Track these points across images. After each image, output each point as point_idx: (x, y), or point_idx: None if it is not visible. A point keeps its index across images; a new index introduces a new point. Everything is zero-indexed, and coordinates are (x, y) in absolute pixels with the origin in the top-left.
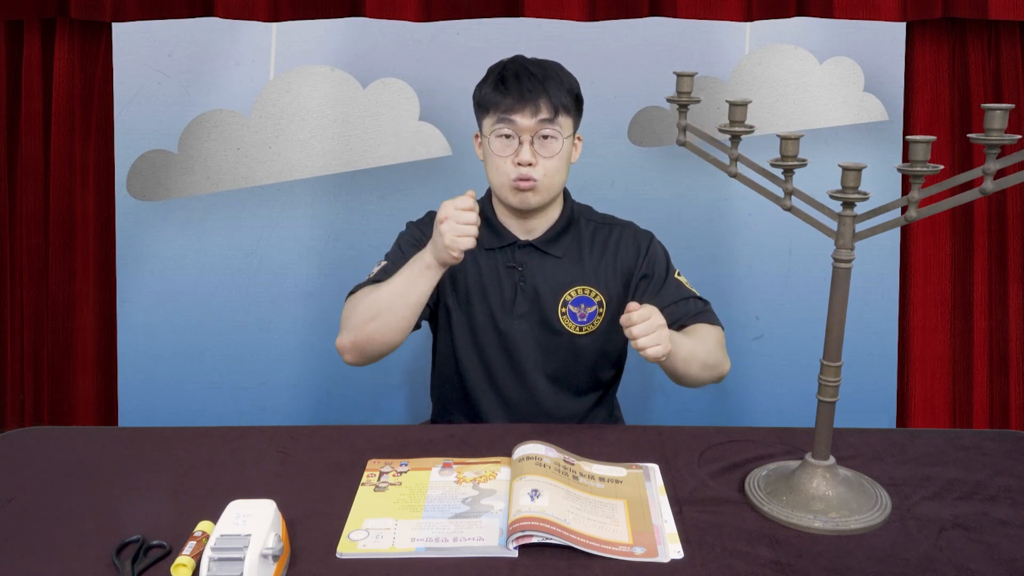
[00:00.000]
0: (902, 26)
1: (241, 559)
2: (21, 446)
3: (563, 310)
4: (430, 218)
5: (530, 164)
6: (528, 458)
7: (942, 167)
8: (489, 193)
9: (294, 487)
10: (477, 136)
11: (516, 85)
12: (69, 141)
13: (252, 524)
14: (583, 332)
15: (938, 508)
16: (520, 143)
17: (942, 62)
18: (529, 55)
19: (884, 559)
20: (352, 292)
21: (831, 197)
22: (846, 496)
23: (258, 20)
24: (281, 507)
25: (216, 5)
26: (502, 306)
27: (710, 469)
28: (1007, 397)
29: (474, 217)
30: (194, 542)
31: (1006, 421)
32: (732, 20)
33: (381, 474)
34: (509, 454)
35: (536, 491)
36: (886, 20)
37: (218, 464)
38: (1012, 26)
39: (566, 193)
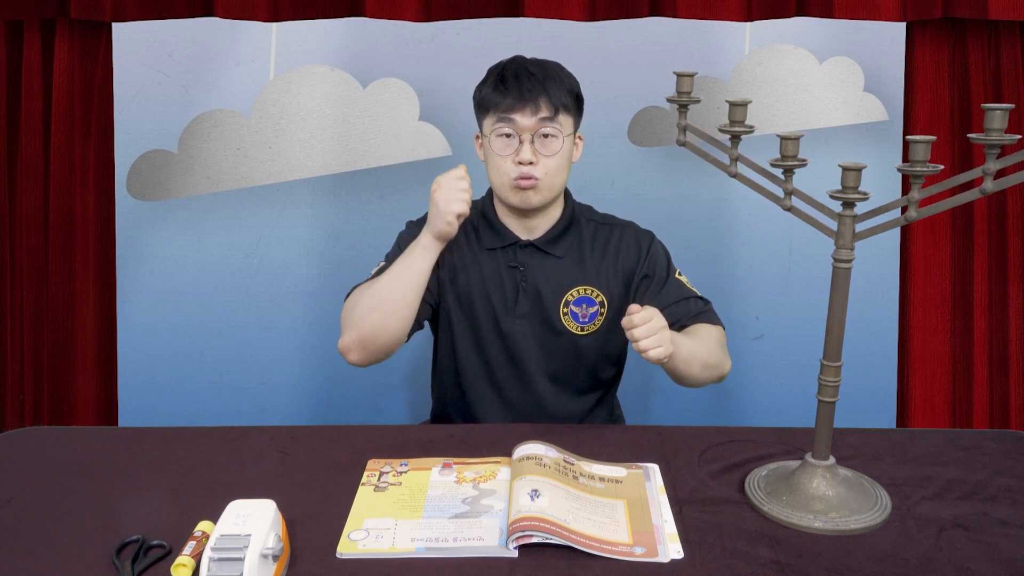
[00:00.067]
0: (902, 26)
1: (241, 559)
2: (21, 446)
3: (564, 310)
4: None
5: (531, 163)
6: (528, 458)
7: (942, 167)
8: (490, 193)
9: (294, 487)
10: (478, 137)
11: (516, 84)
12: (69, 141)
13: (252, 524)
14: (584, 332)
15: (938, 508)
16: (521, 142)
17: (942, 62)
18: (529, 55)
19: (884, 559)
20: (350, 294)
21: (831, 197)
22: (846, 496)
23: (258, 20)
24: (281, 507)
25: (216, 5)
26: (504, 306)
27: (710, 469)
28: (1007, 397)
29: (466, 184)
30: (194, 542)
31: (1006, 421)
32: (732, 20)
33: (381, 474)
34: (509, 454)
35: (536, 491)
36: (886, 20)
37: (218, 464)
38: (1012, 26)
39: (567, 193)
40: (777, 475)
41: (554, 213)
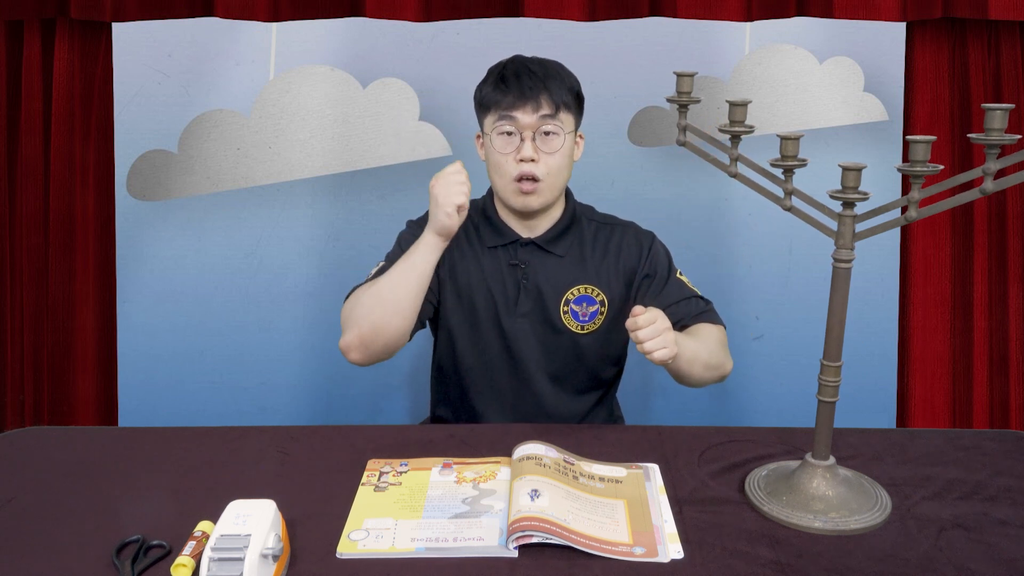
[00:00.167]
0: (902, 26)
1: (241, 559)
2: (21, 446)
3: (565, 309)
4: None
5: (532, 160)
6: (528, 458)
7: (942, 167)
8: (491, 192)
9: (294, 487)
10: (479, 136)
11: (516, 83)
12: (69, 141)
13: (252, 524)
14: (585, 331)
15: (938, 508)
16: (522, 140)
17: (942, 62)
18: (529, 55)
19: (884, 559)
20: (350, 294)
21: (831, 197)
22: (846, 496)
23: (258, 20)
24: (281, 507)
25: (216, 5)
26: (505, 304)
27: (710, 469)
28: (1007, 397)
29: (463, 178)
30: (194, 542)
31: (1006, 421)
32: (732, 20)
33: (381, 474)
34: (509, 454)
35: (536, 491)
36: (886, 20)
37: (218, 464)
38: (1012, 26)
39: (568, 192)
40: (777, 475)
41: (555, 212)
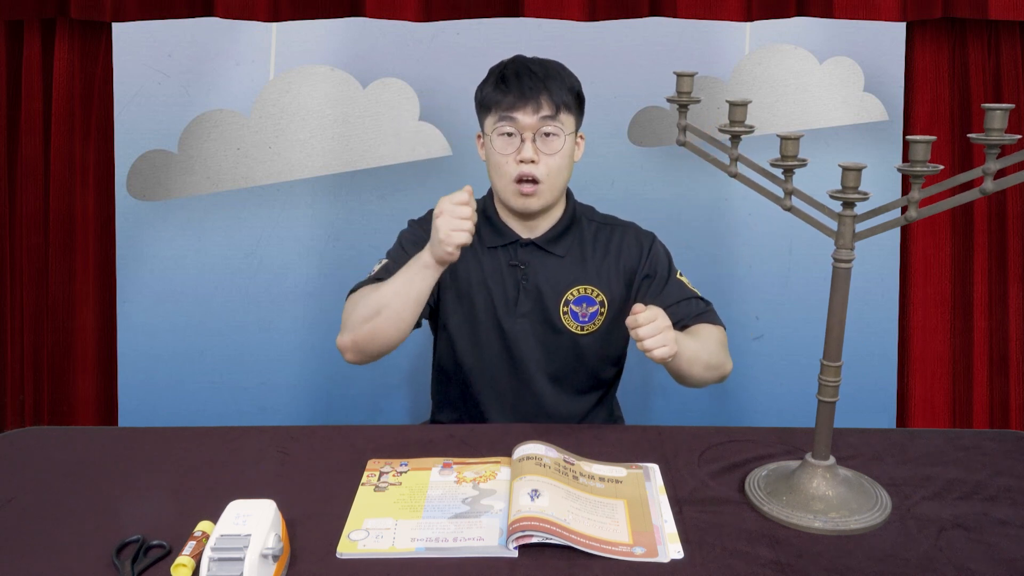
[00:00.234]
0: (902, 26)
1: (241, 559)
2: (21, 446)
3: (565, 309)
4: (432, 216)
5: (532, 161)
6: (528, 458)
7: (942, 167)
8: (491, 192)
9: (294, 487)
10: (480, 137)
11: (517, 83)
12: (69, 141)
13: (252, 524)
14: (585, 332)
15: (938, 508)
16: (522, 141)
17: (942, 62)
18: (529, 55)
19: (884, 559)
20: (353, 291)
21: (831, 197)
22: (846, 496)
23: (258, 20)
24: (281, 507)
25: (216, 5)
26: (504, 304)
27: (710, 469)
28: (1007, 397)
29: (470, 212)
30: (194, 542)
31: (1006, 421)
32: (732, 20)
33: (381, 474)
34: (509, 454)
35: (536, 491)
36: (886, 20)
37: (218, 464)
38: (1012, 26)
39: (569, 193)
40: (777, 475)
41: (555, 212)
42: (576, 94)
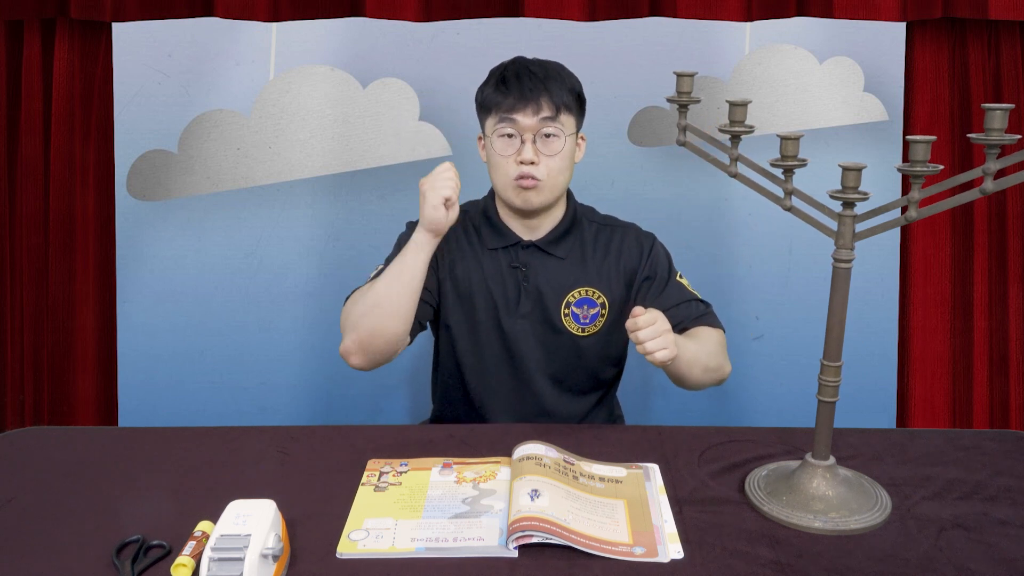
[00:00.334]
0: (902, 26)
1: (241, 559)
2: (21, 446)
3: (566, 311)
4: None
5: (532, 162)
6: (528, 458)
7: (942, 167)
8: (492, 193)
9: (294, 487)
10: (480, 138)
11: (517, 84)
12: (69, 141)
13: (252, 524)
14: (585, 333)
15: (938, 508)
16: (523, 142)
17: (942, 62)
18: (529, 55)
19: (884, 559)
20: (349, 297)
21: (831, 197)
22: (846, 496)
23: (258, 20)
24: (281, 507)
25: (216, 5)
26: (505, 306)
27: (710, 469)
28: (1007, 397)
29: (451, 174)
30: (194, 542)
31: (1006, 421)
32: (732, 20)
33: (381, 474)
34: (509, 454)
35: (536, 491)
36: (886, 20)
37: (218, 464)
38: (1012, 26)
39: (570, 194)
40: (777, 475)
41: (556, 213)
42: (576, 95)
